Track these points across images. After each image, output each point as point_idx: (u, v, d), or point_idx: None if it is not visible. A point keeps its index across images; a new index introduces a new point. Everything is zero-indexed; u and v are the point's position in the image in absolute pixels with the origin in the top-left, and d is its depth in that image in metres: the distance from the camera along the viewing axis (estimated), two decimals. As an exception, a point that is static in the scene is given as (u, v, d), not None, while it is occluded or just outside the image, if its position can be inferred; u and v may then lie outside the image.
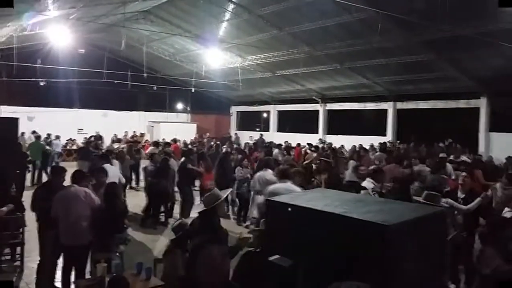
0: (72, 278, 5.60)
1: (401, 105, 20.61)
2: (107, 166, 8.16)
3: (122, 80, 21.55)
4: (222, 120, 30.44)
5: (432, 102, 19.21)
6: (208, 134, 25.05)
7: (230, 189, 7.55)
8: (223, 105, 30.13)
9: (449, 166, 10.11)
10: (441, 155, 12.85)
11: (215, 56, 19.65)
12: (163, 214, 10.19)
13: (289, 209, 2.95)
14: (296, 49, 17.26)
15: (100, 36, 21.09)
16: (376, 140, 18.43)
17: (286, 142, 18.24)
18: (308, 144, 17.02)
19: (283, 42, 17.11)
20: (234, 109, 30.96)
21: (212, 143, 18.13)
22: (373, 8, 11.71)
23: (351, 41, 15.35)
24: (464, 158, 12.37)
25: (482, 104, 17.61)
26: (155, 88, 23.99)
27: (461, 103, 18.26)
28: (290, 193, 4.53)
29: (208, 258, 2.67)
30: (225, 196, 4.63)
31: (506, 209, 5.60)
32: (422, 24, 11.89)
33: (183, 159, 10.62)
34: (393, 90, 20.15)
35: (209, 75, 22.86)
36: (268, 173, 7.99)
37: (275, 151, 14.37)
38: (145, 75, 19.99)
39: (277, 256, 3.00)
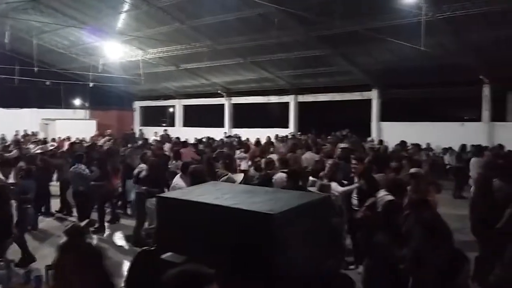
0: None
1: (301, 98, 21.45)
2: None
3: (8, 75, 19.81)
4: (124, 116, 29.08)
5: (330, 94, 20.25)
6: (109, 130, 23.90)
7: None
8: (125, 100, 28.84)
9: None
10: (342, 145, 13.66)
11: (114, 49, 18.81)
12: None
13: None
14: (199, 42, 17.13)
15: (-19, 27, 19.09)
16: (280, 132, 19.00)
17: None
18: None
19: (185, 35, 16.90)
20: (138, 104, 29.83)
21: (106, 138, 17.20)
22: (270, 3, 11.99)
23: (252, 35, 15.62)
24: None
25: (373, 96, 19.03)
26: (48, 83, 22.37)
27: (355, 95, 19.50)
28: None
29: None
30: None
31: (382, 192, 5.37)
32: (318, 20, 12.46)
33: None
34: (294, 83, 20.89)
35: (108, 69, 21.78)
36: None
37: (201, 146, 14.42)
38: (35, 69, 18.51)
39: (170, 253, 2.95)
